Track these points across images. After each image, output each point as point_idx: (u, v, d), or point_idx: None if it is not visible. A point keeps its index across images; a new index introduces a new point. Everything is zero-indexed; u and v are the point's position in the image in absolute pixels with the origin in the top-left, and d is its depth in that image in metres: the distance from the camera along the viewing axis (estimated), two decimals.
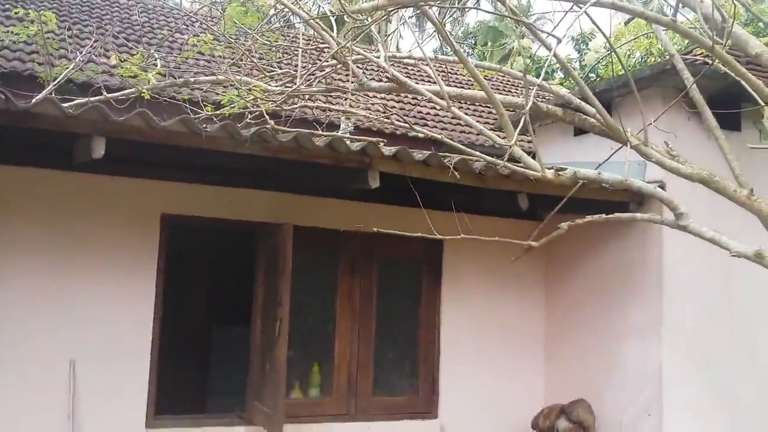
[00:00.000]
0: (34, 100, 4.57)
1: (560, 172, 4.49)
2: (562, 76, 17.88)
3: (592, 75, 16.71)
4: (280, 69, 6.04)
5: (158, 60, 6.40)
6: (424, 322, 6.43)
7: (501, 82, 13.72)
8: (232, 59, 6.31)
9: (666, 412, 5.64)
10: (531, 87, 4.69)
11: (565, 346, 6.65)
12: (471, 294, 6.53)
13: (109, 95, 5.41)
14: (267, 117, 4.42)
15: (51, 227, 5.07)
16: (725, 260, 4.56)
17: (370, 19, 4.78)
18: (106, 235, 5.21)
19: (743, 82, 4.49)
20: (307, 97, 5.57)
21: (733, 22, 4.11)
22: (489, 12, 20.62)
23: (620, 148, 4.64)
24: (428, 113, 10.73)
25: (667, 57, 5.22)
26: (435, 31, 4.38)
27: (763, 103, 4.59)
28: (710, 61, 4.92)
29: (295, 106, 5.18)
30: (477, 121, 10.43)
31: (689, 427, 5.73)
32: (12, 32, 7.59)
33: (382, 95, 9.69)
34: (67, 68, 6.02)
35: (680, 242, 5.17)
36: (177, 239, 5.69)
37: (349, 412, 6.01)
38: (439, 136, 4.52)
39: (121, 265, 5.23)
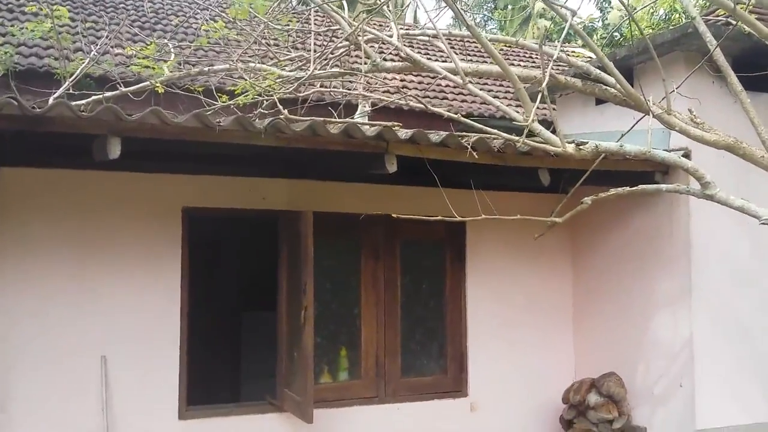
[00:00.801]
0: (49, 102, 4.60)
1: (581, 146, 4.40)
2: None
3: (617, 34, 16.29)
4: (294, 52, 5.99)
5: (172, 50, 6.38)
6: (450, 302, 6.41)
7: (521, 51, 13.47)
8: (245, 46, 6.28)
9: (698, 383, 5.58)
10: (548, 59, 4.60)
11: (593, 319, 6.59)
12: (496, 271, 6.49)
13: (125, 89, 5.42)
14: (280, 107, 4.37)
15: (74, 227, 5.12)
16: (754, 228, 4.46)
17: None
18: (129, 231, 5.25)
19: None
20: (321, 81, 5.54)
21: None
22: None
23: (642, 117, 4.54)
24: (447, 85, 10.60)
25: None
26: (447, 6, 4.27)
27: None
28: (733, 22, 4.75)
29: (310, 91, 5.13)
30: (498, 93, 10.30)
31: (722, 396, 5.66)
32: (27, 29, 7.63)
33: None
34: (83, 62, 6.04)
35: (708, 211, 5.06)
36: (203, 229, 5.72)
37: (378, 395, 6.03)
38: (456, 116, 4.45)
39: (145, 260, 5.28)
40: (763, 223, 4.31)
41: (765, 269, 5.85)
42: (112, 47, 8.02)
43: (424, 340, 6.39)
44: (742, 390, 5.75)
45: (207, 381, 7.09)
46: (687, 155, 5.50)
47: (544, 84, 4.03)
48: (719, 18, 5.86)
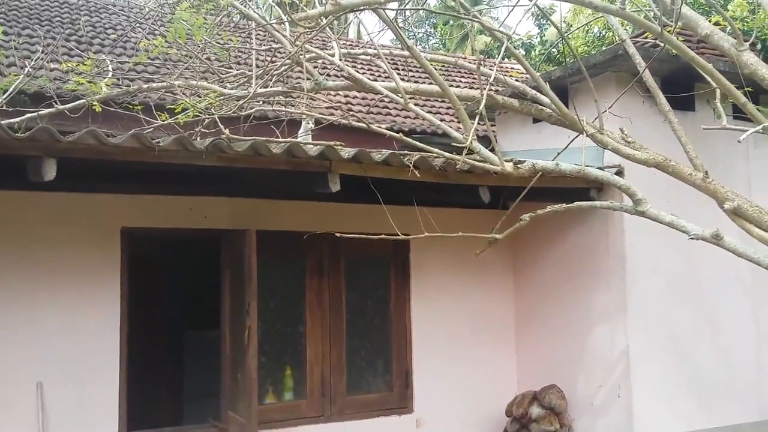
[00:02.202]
0: None
1: (519, 165, 4.51)
2: (524, 52, 17.80)
3: (554, 50, 16.70)
4: (236, 69, 5.96)
5: (110, 65, 6.27)
6: (395, 319, 6.45)
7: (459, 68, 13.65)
8: (185, 62, 6.22)
9: (635, 393, 5.75)
10: (486, 79, 4.72)
11: (535, 333, 6.72)
12: (440, 287, 6.57)
13: (61, 107, 5.29)
14: (221, 126, 4.35)
15: (9, 249, 4.97)
16: (685, 243, 4.64)
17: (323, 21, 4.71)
18: (67, 253, 5.13)
19: (694, 65, 4.55)
20: (263, 99, 5.52)
21: (681, 2, 4.14)
22: (440, 13, 20.36)
23: (577, 136, 4.68)
24: (391, 102, 10.66)
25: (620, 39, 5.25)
26: (388, 27, 4.33)
27: (715, 85, 4.65)
28: (661, 43, 4.95)
29: (252, 110, 5.12)
30: (441, 109, 10.43)
31: (658, 405, 5.84)
32: None
33: None
34: (17, 78, 5.87)
35: (642, 226, 5.22)
36: (144, 248, 5.62)
37: (324, 414, 6.02)
38: (398, 135, 4.50)
39: (83, 282, 5.16)
40: (692, 238, 4.50)
41: (696, 282, 6.08)
42: (47, 62, 7.83)
43: (370, 358, 6.40)
44: (678, 399, 5.94)
45: (149, 402, 6.95)
46: (620, 172, 5.69)
47: (482, 105, 4.13)
48: (648, 40, 6.09)
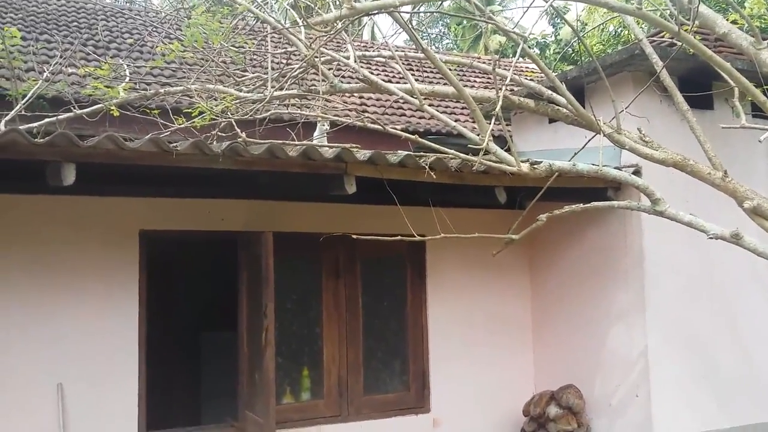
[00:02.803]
0: (1, 126, 4.52)
1: (535, 166, 4.51)
2: (539, 51, 17.73)
3: (569, 50, 16.62)
4: (251, 73, 5.99)
5: (126, 69, 6.33)
6: (411, 319, 6.45)
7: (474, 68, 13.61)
8: (201, 66, 6.26)
9: (653, 393, 5.71)
10: (501, 80, 4.71)
11: (552, 333, 6.70)
12: (456, 288, 6.56)
13: (79, 111, 5.35)
14: (238, 130, 4.38)
15: (30, 252, 5.04)
16: (704, 242, 4.62)
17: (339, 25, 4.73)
18: (86, 256, 5.18)
19: (712, 64, 4.52)
20: (278, 101, 5.55)
21: (699, 1, 4.11)
22: (454, 15, 20.31)
23: (594, 136, 4.67)
24: (405, 103, 10.66)
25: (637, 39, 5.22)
26: (403, 30, 4.34)
27: (733, 84, 4.61)
28: (678, 42, 4.92)
29: (268, 113, 5.14)
30: (456, 109, 10.41)
31: (677, 405, 5.81)
32: None
33: None
34: (36, 83, 5.95)
35: (660, 225, 5.20)
36: (162, 249, 5.67)
37: (341, 413, 6.03)
38: (413, 136, 4.51)
39: (102, 284, 5.21)
40: (711, 238, 4.47)
41: (715, 282, 6.03)
42: (65, 67, 7.90)
43: (387, 358, 6.41)
44: (696, 398, 5.90)
45: (167, 403, 7.01)
46: (638, 172, 5.66)
47: (498, 106, 4.13)
48: (664, 39, 6.06)
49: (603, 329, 6.14)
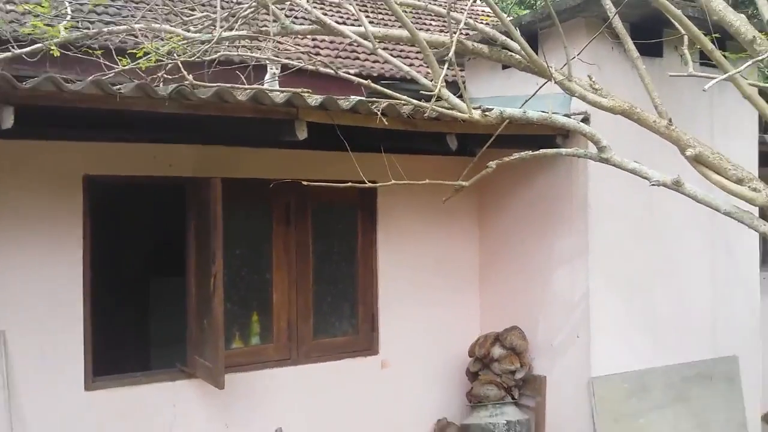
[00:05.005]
0: None
1: (487, 113, 4.52)
2: None
3: None
4: (199, 12, 5.79)
5: (68, 7, 6.05)
6: (362, 264, 6.50)
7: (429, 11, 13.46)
8: (147, 4, 6.02)
9: (593, 334, 5.93)
10: (455, 24, 4.67)
11: (498, 277, 6.85)
12: (406, 233, 6.61)
13: (18, 51, 5.11)
14: (185, 72, 4.25)
15: None
16: (648, 188, 4.75)
17: None
18: (28, 202, 5.01)
19: (663, 11, 4.57)
20: (228, 42, 5.40)
21: None
22: None
23: (545, 83, 4.70)
24: (359, 46, 10.51)
25: None
26: None
27: (683, 32, 4.68)
28: None
29: (217, 55, 5.00)
30: (410, 53, 10.29)
31: (615, 345, 6.05)
32: None
33: None
34: None
35: (606, 173, 5.31)
36: (107, 195, 5.54)
37: (291, 357, 6.09)
38: (366, 81, 4.46)
39: (45, 230, 5.06)
40: (653, 185, 4.60)
41: (657, 228, 6.23)
42: (3, 3, 7.51)
43: (337, 302, 6.47)
44: (634, 339, 6.15)
45: (116, 349, 6.96)
46: (586, 119, 5.74)
47: (452, 51, 4.10)
48: None
49: (547, 273, 6.30)
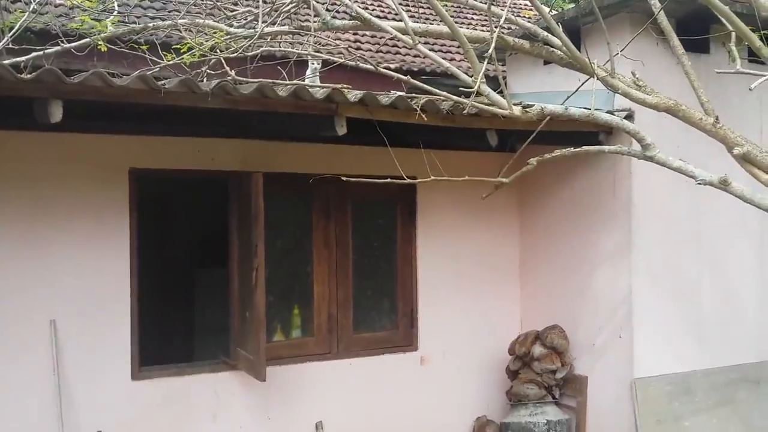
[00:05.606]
0: None
1: (527, 109, 4.48)
2: None
3: None
4: (242, 8, 5.87)
5: (115, 2, 6.19)
6: (401, 259, 6.51)
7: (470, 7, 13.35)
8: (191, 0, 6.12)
9: (636, 334, 5.84)
10: (496, 20, 4.64)
11: (539, 275, 6.79)
12: (446, 229, 6.60)
13: (67, 45, 5.25)
14: (227, 68, 4.31)
15: (20, 189, 5.00)
16: (692, 188, 4.65)
17: None
18: (77, 193, 5.15)
19: (710, 7, 4.45)
20: (270, 38, 5.46)
21: None
22: None
23: (587, 80, 4.62)
24: (400, 41, 10.51)
25: None
26: None
27: (730, 28, 4.56)
28: None
29: (259, 50, 5.06)
30: (451, 48, 10.25)
31: (658, 346, 5.94)
32: None
33: None
34: (23, 14, 5.82)
35: (649, 170, 5.22)
36: (153, 188, 5.67)
37: (331, 351, 6.15)
38: (406, 77, 4.47)
39: (93, 222, 5.20)
40: (699, 183, 4.49)
41: (701, 227, 6.09)
42: None
43: (376, 297, 6.50)
44: (678, 341, 6.03)
45: (161, 339, 7.12)
46: (630, 116, 5.64)
47: (492, 47, 4.07)
48: None
49: (589, 271, 6.22)
